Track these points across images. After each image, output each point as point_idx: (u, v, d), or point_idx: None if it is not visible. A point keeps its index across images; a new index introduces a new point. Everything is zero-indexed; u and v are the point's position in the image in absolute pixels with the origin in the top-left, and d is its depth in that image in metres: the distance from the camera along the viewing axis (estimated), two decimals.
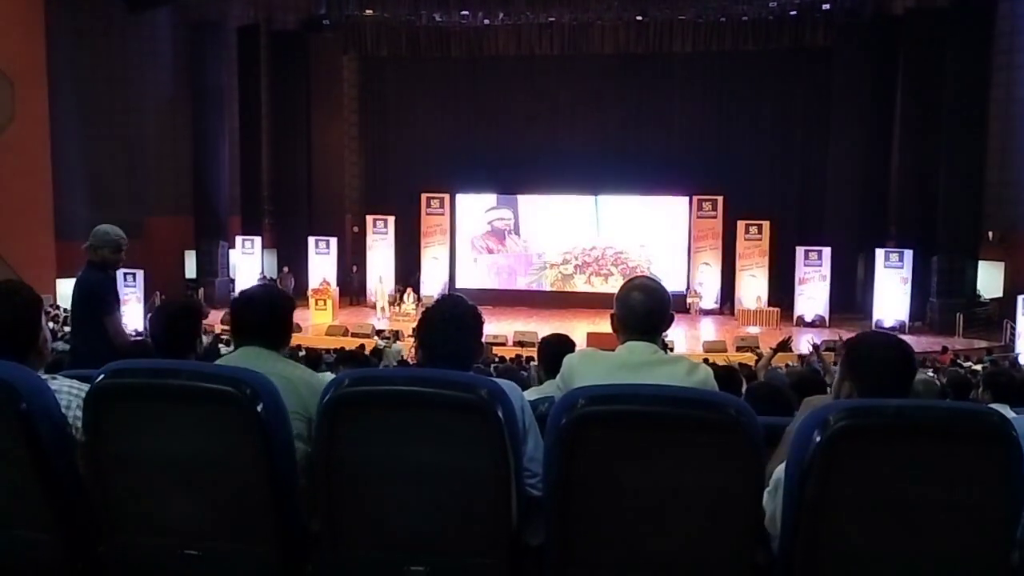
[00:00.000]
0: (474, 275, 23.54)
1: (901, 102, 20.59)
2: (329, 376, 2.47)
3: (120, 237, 5.08)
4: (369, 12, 23.36)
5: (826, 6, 21.29)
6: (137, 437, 2.14)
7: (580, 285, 23.12)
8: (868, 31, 21.20)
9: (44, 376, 2.33)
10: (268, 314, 2.64)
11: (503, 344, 17.02)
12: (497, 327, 18.10)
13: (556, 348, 3.81)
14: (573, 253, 23.21)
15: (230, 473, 2.11)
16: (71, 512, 2.21)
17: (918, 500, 1.85)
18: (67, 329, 15.44)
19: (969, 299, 19.55)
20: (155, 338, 3.07)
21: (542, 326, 18.57)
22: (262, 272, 23.04)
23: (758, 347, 17.47)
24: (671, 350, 15.51)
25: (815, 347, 9.17)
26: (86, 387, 2.24)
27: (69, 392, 2.32)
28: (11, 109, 18.32)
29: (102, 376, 2.16)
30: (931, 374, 9.74)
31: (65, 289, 19.93)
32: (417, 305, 20.67)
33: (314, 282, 22.22)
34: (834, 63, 21.78)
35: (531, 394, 3.06)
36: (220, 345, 12.06)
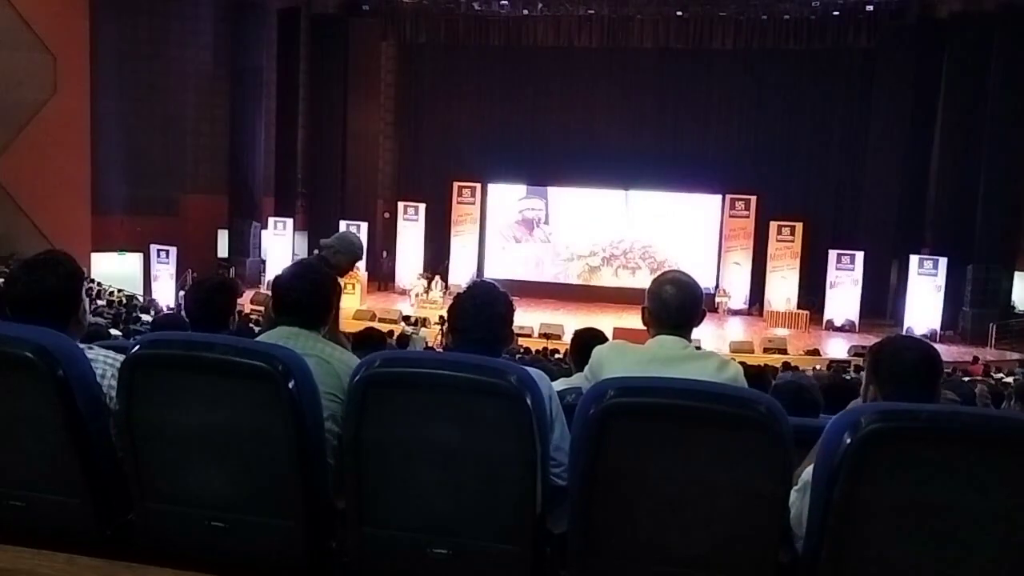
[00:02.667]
0: (502, 265, 23.57)
1: (943, 107, 20.29)
2: None
3: (361, 251, 5.21)
4: None
5: (870, 7, 21.00)
6: (169, 408, 2.17)
7: (607, 278, 23.06)
8: (912, 34, 20.92)
9: (82, 345, 2.37)
10: (309, 292, 2.59)
11: (529, 336, 17.03)
12: (523, 318, 18.08)
13: (588, 341, 3.81)
14: (601, 245, 23.16)
15: (259, 448, 2.13)
16: (102, 479, 2.25)
17: (948, 507, 1.83)
18: (100, 303, 15.67)
19: (1003, 310, 19.30)
20: (189, 312, 3.11)
21: (568, 319, 18.58)
22: (294, 253, 23.20)
23: (786, 349, 17.37)
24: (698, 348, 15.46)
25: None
26: (121, 357, 2.27)
27: (105, 361, 2.35)
28: (53, 83, 18.58)
29: (137, 347, 2.19)
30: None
31: (100, 263, 20.25)
32: (444, 293, 20.73)
33: None
34: (876, 65, 21.52)
35: (558, 384, 3.06)
36: (250, 326, 12.18)
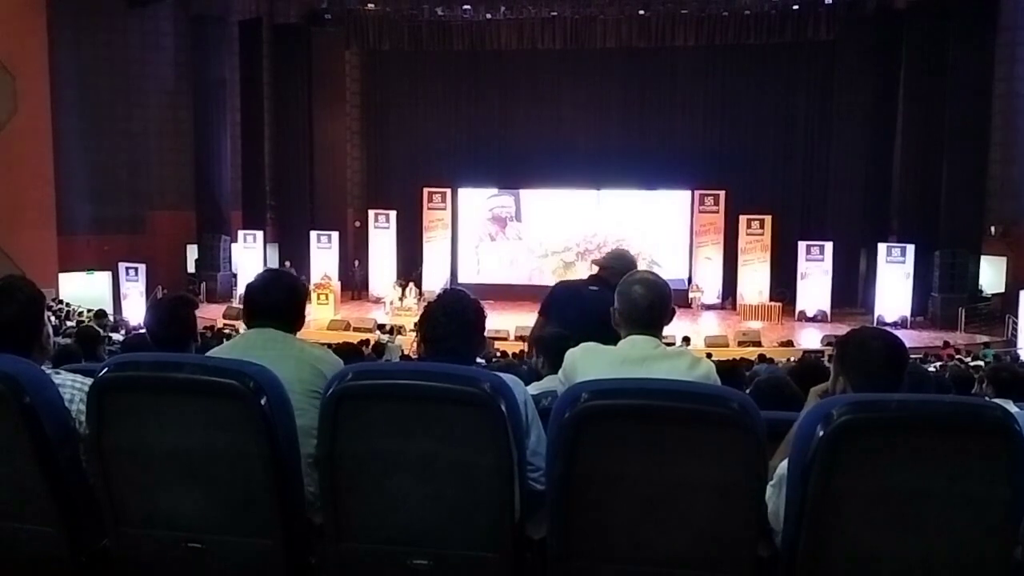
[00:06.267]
0: (476, 269, 23.56)
1: (904, 96, 20.55)
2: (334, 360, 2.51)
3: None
4: (371, 6, 23.34)
5: (829, 0, 21.23)
6: (140, 430, 2.14)
7: (582, 272, 23.02)
8: (871, 25, 21.15)
9: (48, 370, 2.33)
10: (285, 296, 2.64)
11: (505, 339, 17.01)
12: (499, 321, 18.05)
13: (558, 342, 3.80)
14: (575, 240, 23.18)
15: (234, 466, 2.12)
16: (75, 505, 2.22)
17: (921, 494, 1.85)
18: (69, 324, 15.43)
19: (971, 294, 19.53)
20: (152, 331, 3.06)
21: None
22: (265, 265, 23.05)
23: (760, 342, 17.50)
24: (687, 341, 15.49)
25: None
26: (89, 381, 2.24)
27: (72, 386, 2.32)
28: (13, 103, 18.31)
29: (105, 369, 2.16)
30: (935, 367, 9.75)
31: (68, 284, 19.97)
32: (419, 300, 20.66)
33: (316, 276, 22.24)
34: (837, 57, 21.73)
35: (533, 388, 3.06)
36: (224, 340, 12.04)
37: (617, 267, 4.39)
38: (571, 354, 2.66)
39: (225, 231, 22.55)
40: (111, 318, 18.43)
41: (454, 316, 2.41)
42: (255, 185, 23.82)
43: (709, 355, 10.74)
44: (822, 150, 22.36)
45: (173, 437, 2.13)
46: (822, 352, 14.67)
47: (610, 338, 4.50)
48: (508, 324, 18.22)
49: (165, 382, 2.12)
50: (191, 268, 22.97)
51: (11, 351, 2.25)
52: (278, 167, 24.34)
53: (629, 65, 23.41)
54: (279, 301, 2.61)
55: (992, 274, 19.92)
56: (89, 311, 18.25)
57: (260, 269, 22.62)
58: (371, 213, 23.70)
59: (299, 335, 2.64)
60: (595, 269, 4.52)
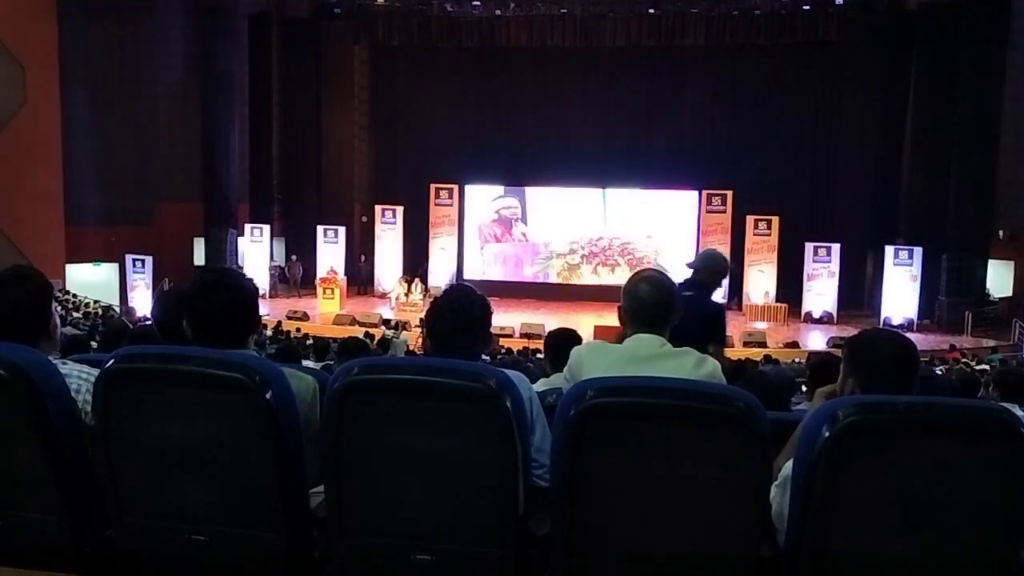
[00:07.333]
0: (482, 266, 23.56)
1: (913, 98, 20.48)
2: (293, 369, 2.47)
3: (725, 265, 4.71)
4: (381, 1, 23.34)
5: (840, 1, 21.16)
6: (146, 422, 2.15)
7: (586, 275, 23.09)
8: (881, 26, 21.11)
9: (55, 360, 2.34)
10: (230, 302, 2.31)
11: (510, 336, 17.03)
12: (504, 319, 18.08)
13: (562, 342, 3.81)
14: (580, 243, 23.19)
15: (238, 459, 2.12)
16: (80, 495, 2.22)
17: (926, 496, 1.84)
18: (76, 315, 15.49)
19: (978, 298, 19.47)
20: (159, 323, 3.05)
21: (549, 318, 18.59)
22: (272, 259, 23.14)
23: (765, 342, 17.47)
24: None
25: None
26: (96, 372, 2.24)
27: (79, 376, 2.32)
28: (22, 94, 18.39)
29: (112, 360, 2.16)
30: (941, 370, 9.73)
31: (75, 275, 20.04)
32: (424, 296, 20.69)
33: (322, 271, 22.28)
34: (847, 58, 21.68)
35: (539, 386, 3.06)
36: None
37: (708, 266, 4.49)
38: (577, 351, 2.66)
39: (232, 224, 22.58)
40: (116, 309, 18.51)
41: (460, 312, 2.41)
42: (263, 179, 23.88)
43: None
44: (830, 151, 22.30)
45: (178, 429, 2.13)
46: (828, 354, 14.64)
47: (712, 342, 4.17)
48: (513, 321, 18.24)
49: (171, 374, 2.12)
50: (198, 261, 23.02)
51: (18, 340, 2.26)
52: (286, 161, 24.40)
53: (638, 63, 23.38)
54: (227, 308, 2.30)
55: (999, 278, 19.85)
56: (96, 302, 18.33)
57: (266, 262, 22.77)
58: (378, 208, 23.72)
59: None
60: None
